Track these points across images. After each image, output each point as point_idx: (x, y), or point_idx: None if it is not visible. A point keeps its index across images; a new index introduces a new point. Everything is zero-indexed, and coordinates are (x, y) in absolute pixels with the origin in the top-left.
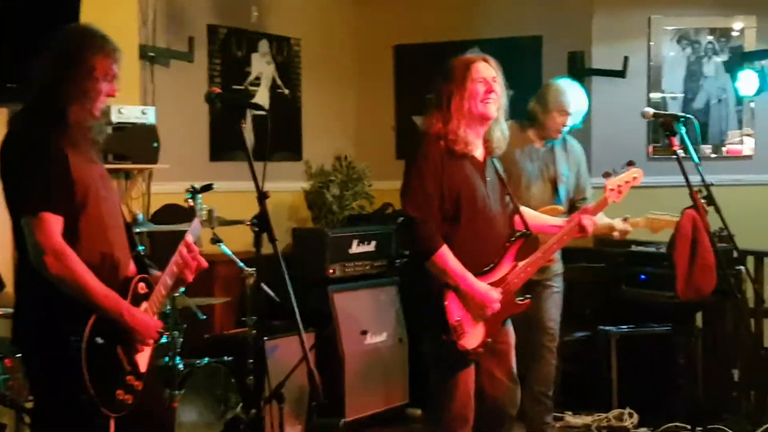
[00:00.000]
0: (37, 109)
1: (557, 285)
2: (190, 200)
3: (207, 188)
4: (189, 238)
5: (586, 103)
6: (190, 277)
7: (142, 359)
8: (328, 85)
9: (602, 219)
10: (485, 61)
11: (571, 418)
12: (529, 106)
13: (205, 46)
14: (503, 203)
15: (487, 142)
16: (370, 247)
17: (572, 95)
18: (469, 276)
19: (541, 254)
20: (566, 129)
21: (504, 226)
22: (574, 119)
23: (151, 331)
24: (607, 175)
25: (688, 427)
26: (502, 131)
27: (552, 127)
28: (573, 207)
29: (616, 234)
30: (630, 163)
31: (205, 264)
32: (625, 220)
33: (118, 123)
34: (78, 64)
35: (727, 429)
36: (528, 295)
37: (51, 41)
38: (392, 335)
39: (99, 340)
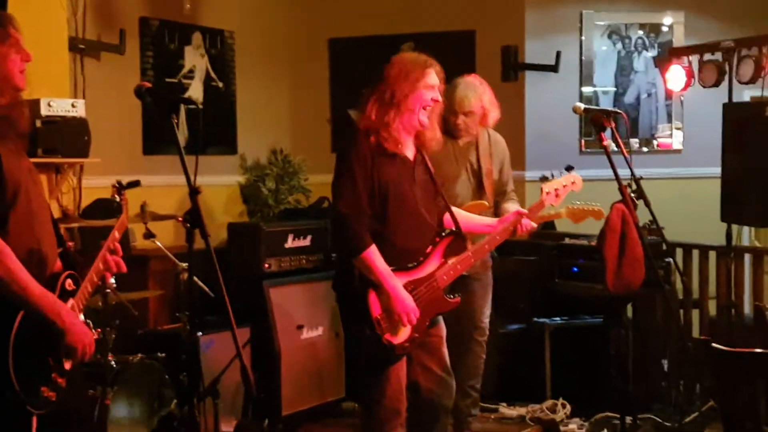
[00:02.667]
0: None
1: (486, 278)
2: (116, 196)
3: (134, 184)
4: (116, 235)
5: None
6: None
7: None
8: (263, 78)
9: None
10: (433, 67)
11: (505, 410)
12: None
13: (136, 38)
14: (432, 202)
15: (418, 139)
16: (306, 241)
17: (459, 94)
18: (394, 280)
19: (472, 253)
20: (493, 132)
21: (433, 224)
22: (472, 118)
23: (85, 340)
24: (544, 179)
25: (619, 416)
26: (434, 129)
27: (452, 128)
28: (496, 202)
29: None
30: (569, 168)
31: (124, 269)
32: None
33: (48, 116)
34: None
35: (656, 418)
36: (458, 293)
37: None
38: (328, 330)
39: (26, 336)
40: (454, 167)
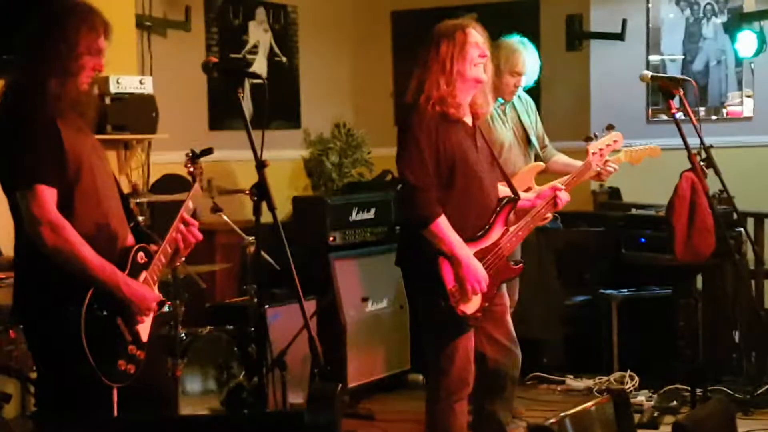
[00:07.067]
0: (18, 83)
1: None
2: (189, 166)
3: (207, 152)
4: (189, 204)
5: (537, 62)
6: (186, 251)
7: (144, 329)
8: (326, 52)
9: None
10: (474, 27)
11: (572, 382)
12: None
13: (201, 15)
14: (492, 169)
15: (473, 106)
16: (370, 214)
17: (525, 56)
18: (466, 249)
19: (531, 218)
20: (520, 90)
21: (494, 191)
22: (527, 80)
23: (149, 302)
24: (588, 139)
25: (689, 389)
26: (485, 95)
27: (505, 89)
28: (537, 156)
29: (603, 175)
30: (609, 127)
31: (200, 237)
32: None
33: (116, 93)
34: (59, 39)
35: (727, 390)
36: (521, 260)
37: (35, 15)
38: (393, 302)
39: (98, 310)
40: (504, 132)
